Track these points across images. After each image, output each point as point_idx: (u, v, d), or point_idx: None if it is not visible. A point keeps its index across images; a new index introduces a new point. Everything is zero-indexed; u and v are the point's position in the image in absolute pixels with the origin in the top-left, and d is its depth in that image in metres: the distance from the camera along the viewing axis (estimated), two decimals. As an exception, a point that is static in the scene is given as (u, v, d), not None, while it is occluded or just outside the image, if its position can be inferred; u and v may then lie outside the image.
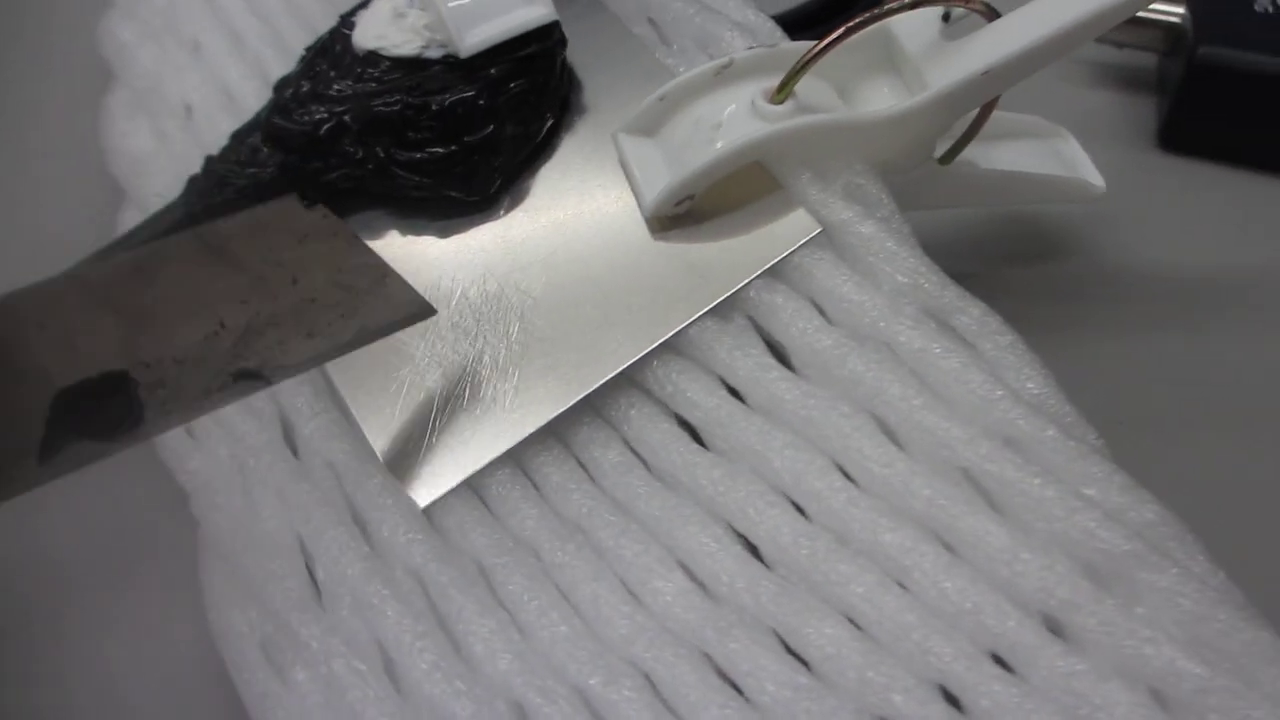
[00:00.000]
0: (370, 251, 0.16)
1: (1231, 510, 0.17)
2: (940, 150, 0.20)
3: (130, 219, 0.22)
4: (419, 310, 0.17)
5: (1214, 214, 0.23)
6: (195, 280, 0.14)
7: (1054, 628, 0.14)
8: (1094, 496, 0.14)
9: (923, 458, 0.15)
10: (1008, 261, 0.23)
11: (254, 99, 0.23)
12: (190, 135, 0.23)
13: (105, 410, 0.14)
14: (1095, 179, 0.22)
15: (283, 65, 0.23)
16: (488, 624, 0.15)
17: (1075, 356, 0.18)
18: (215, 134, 0.22)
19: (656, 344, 0.17)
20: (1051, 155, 0.22)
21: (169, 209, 0.19)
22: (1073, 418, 0.16)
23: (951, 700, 0.14)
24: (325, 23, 0.22)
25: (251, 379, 0.15)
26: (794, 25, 0.22)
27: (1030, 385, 0.16)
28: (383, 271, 0.16)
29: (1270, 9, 0.24)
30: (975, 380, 0.16)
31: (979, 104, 0.18)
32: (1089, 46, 0.25)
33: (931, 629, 0.14)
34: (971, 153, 0.20)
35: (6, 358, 0.12)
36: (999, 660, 0.14)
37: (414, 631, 0.15)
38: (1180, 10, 0.24)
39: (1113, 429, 0.16)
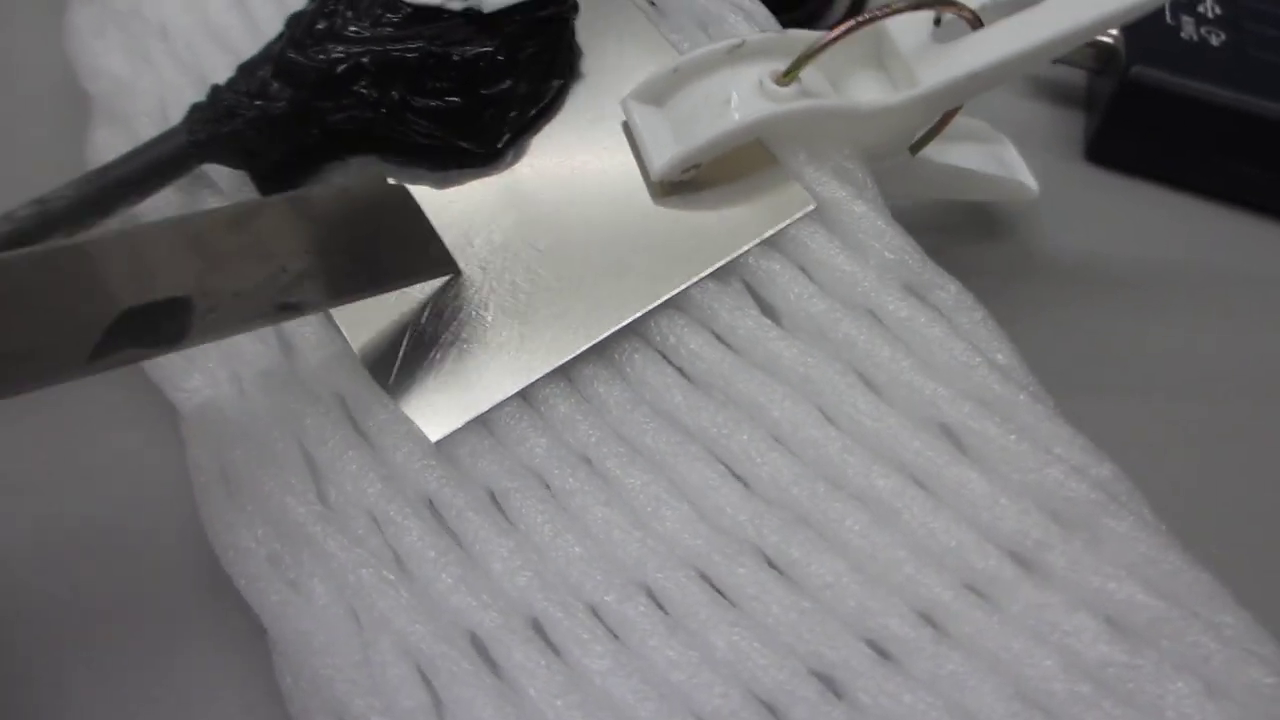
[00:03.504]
0: (424, 219, 0.18)
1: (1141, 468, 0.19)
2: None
3: (107, 137, 0.22)
4: (447, 270, 0.19)
5: (1132, 222, 0.26)
6: (277, 234, 0.15)
7: (1027, 565, 0.16)
8: (1061, 453, 0.16)
9: (909, 414, 0.17)
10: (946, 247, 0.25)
11: (238, 28, 0.23)
12: (171, 58, 0.23)
13: (158, 327, 0.15)
14: (1030, 182, 0.24)
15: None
16: (506, 544, 0.16)
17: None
18: (196, 59, 0.22)
19: (661, 300, 0.18)
20: (994, 158, 0.24)
21: (170, 134, 0.19)
22: (1035, 386, 0.18)
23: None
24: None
25: (291, 310, 0.16)
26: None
27: (999, 356, 0.18)
28: (430, 236, 0.18)
29: (1195, 37, 0.26)
30: (957, 348, 0.17)
31: (960, 103, 0.20)
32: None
33: (921, 564, 0.15)
34: (929, 150, 0.22)
35: (94, 279, 0.14)
36: (979, 593, 0.15)
37: (437, 548, 0.16)
38: (1113, 31, 0.27)
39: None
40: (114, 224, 0.19)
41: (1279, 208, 0.27)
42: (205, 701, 0.18)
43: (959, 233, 0.25)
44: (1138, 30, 0.26)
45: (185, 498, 0.19)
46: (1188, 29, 0.27)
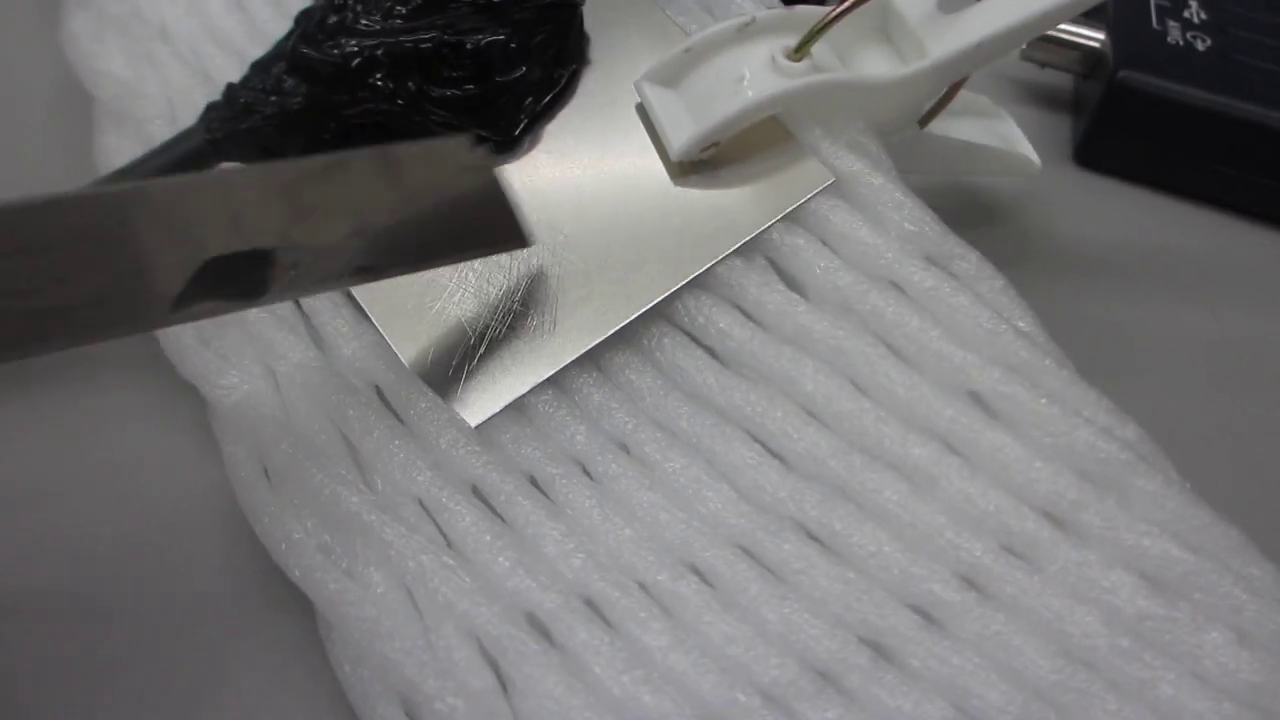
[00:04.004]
0: (503, 190, 0.17)
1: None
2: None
3: (116, 141, 0.22)
4: (521, 243, 0.18)
5: (1120, 224, 0.27)
6: (362, 188, 0.15)
7: (1064, 526, 0.16)
8: (1089, 416, 0.17)
9: (940, 382, 0.17)
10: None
11: (238, 29, 0.23)
12: (175, 60, 0.22)
13: (241, 279, 0.15)
14: (1033, 156, 0.24)
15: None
16: (557, 527, 0.16)
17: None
18: (200, 60, 0.22)
19: (688, 280, 0.19)
20: (996, 133, 0.24)
21: (187, 134, 0.19)
22: (1057, 352, 0.18)
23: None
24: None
25: (367, 272, 0.16)
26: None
27: (1021, 323, 0.18)
28: (507, 208, 0.18)
29: (1181, 42, 0.27)
30: (983, 316, 0.18)
31: (968, 73, 0.20)
32: (1013, 65, 0.28)
33: (961, 529, 0.16)
34: (935, 125, 0.22)
35: (183, 222, 0.14)
36: (1018, 555, 0.16)
37: (492, 532, 0.16)
38: (1100, 36, 0.27)
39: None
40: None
41: (1266, 211, 0.27)
42: (250, 695, 0.18)
43: (952, 218, 0.26)
44: (1124, 35, 0.27)
45: (211, 493, 0.19)
46: (1174, 34, 0.27)
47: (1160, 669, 0.15)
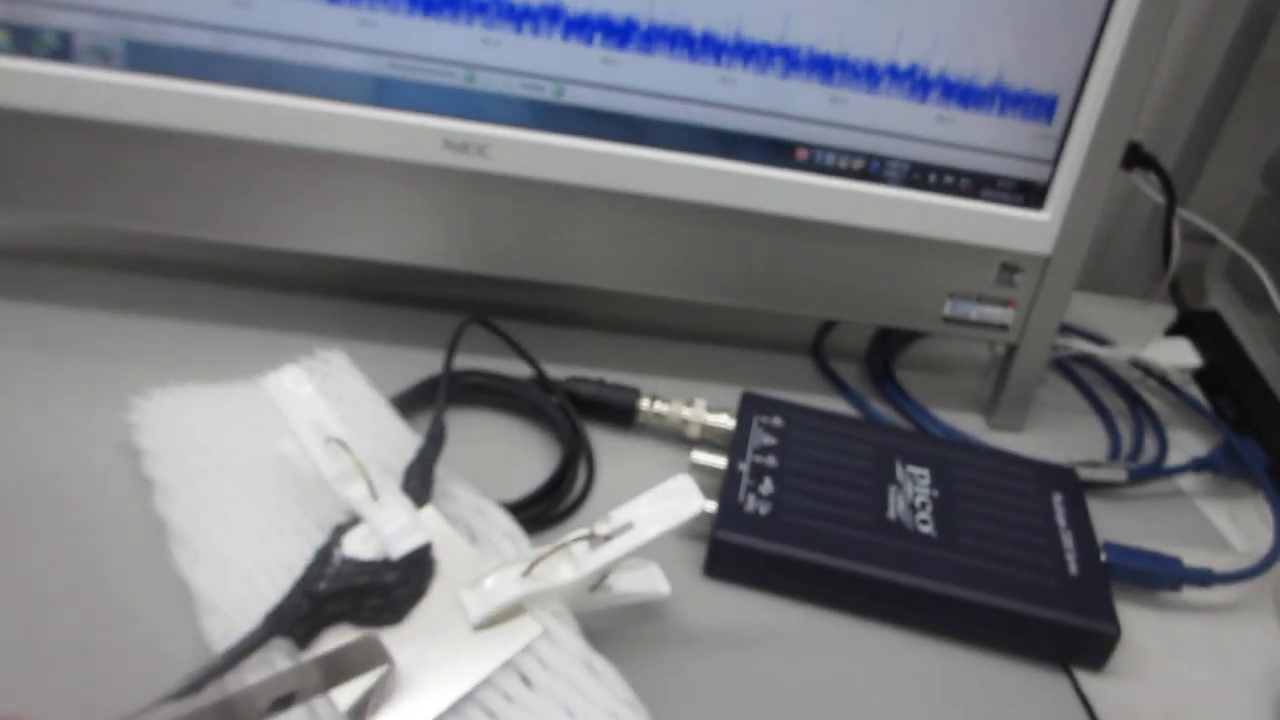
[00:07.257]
0: (386, 654, 0.42)
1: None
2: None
3: (210, 623, 0.46)
4: (385, 662, 0.43)
5: (734, 615, 0.48)
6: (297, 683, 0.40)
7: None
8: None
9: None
10: (612, 629, 0.51)
11: (272, 557, 0.48)
12: (241, 579, 0.47)
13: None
14: (665, 588, 0.50)
15: (296, 548, 0.48)
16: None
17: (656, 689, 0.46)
18: (253, 579, 0.47)
19: (482, 678, 0.43)
20: (642, 576, 0.50)
21: (255, 632, 0.44)
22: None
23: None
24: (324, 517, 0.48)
25: (283, 704, 0.40)
26: (517, 509, 0.50)
27: (626, 710, 0.43)
28: (383, 652, 0.42)
29: (753, 509, 0.49)
30: (608, 702, 0.43)
31: (606, 574, 0.47)
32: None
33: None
34: (608, 580, 0.48)
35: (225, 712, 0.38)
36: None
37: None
38: (712, 505, 0.53)
39: None
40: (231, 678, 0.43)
41: (832, 604, 0.48)
42: None
43: (621, 622, 0.51)
44: (723, 503, 0.51)
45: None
46: (750, 504, 0.51)
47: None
